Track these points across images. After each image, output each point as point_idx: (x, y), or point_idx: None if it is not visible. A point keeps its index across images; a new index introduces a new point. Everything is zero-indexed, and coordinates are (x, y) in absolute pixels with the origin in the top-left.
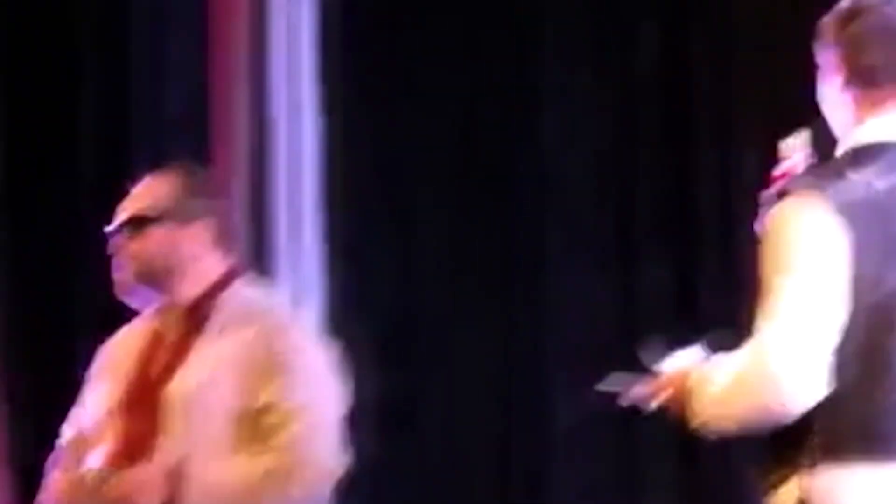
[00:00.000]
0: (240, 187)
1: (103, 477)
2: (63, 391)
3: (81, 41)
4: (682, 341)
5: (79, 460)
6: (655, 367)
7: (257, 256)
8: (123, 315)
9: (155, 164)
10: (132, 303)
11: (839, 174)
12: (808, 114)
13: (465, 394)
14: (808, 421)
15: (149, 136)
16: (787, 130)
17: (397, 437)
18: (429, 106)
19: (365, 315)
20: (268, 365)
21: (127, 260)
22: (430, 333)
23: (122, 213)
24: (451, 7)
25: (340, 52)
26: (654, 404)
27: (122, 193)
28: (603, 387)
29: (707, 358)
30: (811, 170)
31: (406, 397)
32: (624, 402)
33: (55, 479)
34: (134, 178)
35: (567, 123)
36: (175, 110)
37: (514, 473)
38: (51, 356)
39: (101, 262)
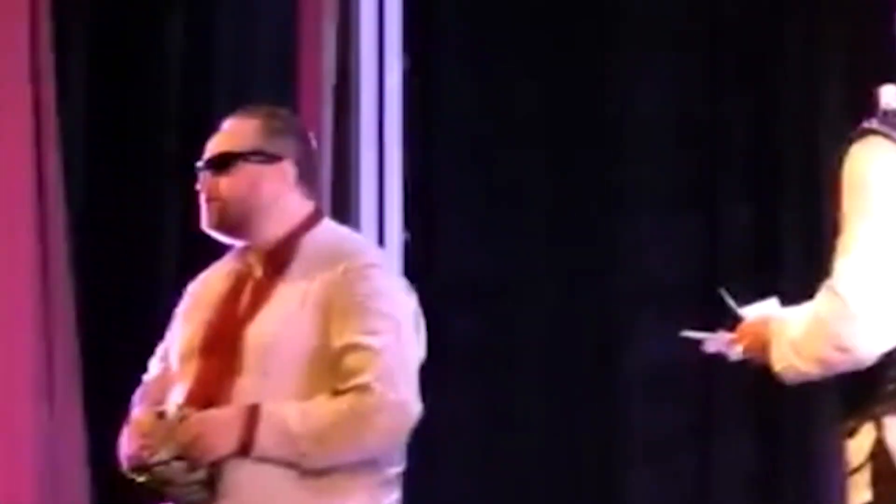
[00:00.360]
0: (324, 131)
1: (182, 415)
2: (151, 327)
3: None
4: (763, 284)
5: (163, 397)
6: (738, 313)
7: (340, 200)
8: (209, 252)
9: (239, 102)
10: (219, 237)
11: None
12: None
13: (539, 334)
14: (882, 370)
15: (233, 74)
16: (872, 70)
17: (465, 384)
18: (512, 50)
19: (442, 260)
20: (350, 306)
21: (214, 196)
22: (509, 276)
23: (210, 150)
24: None
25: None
26: (737, 352)
27: (206, 131)
28: (687, 334)
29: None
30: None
31: (478, 340)
32: (708, 349)
33: (137, 414)
34: (218, 117)
35: (651, 61)
36: (262, 49)
37: (585, 417)
38: (138, 292)
39: (187, 199)
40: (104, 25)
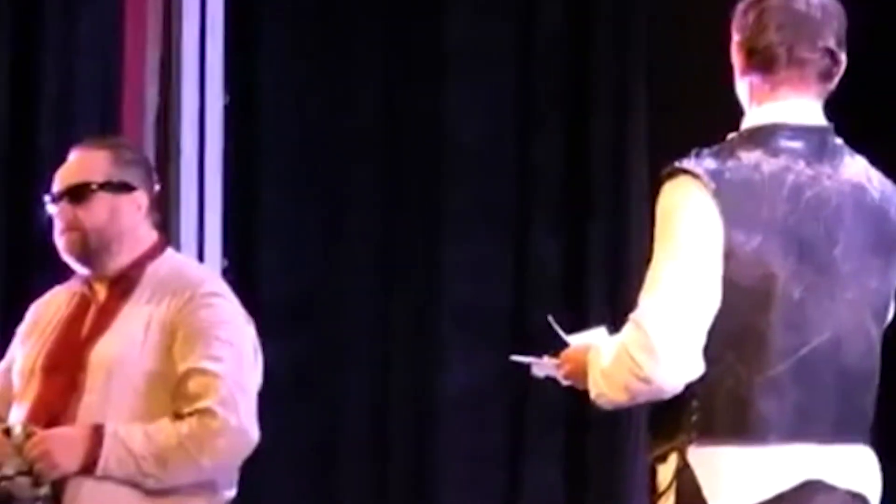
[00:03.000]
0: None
1: (28, 433)
2: None
3: None
4: (570, 311)
5: (3, 413)
6: (564, 339)
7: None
8: (35, 272)
9: (63, 133)
10: (78, 266)
11: (732, 153)
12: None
13: (357, 360)
14: (686, 400)
15: (58, 106)
16: (685, 111)
17: (282, 410)
18: (330, 88)
19: (261, 287)
20: (194, 332)
21: (73, 226)
22: (327, 298)
23: (64, 181)
24: None
25: (251, 23)
26: (564, 378)
27: (31, 161)
28: (516, 358)
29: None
30: (710, 148)
31: (297, 364)
32: (537, 374)
33: None
34: (43, 146)
35: (468, 95)
36: (86, 82)
37: (397, 437)
38: None
39: (10, 226)
40: None
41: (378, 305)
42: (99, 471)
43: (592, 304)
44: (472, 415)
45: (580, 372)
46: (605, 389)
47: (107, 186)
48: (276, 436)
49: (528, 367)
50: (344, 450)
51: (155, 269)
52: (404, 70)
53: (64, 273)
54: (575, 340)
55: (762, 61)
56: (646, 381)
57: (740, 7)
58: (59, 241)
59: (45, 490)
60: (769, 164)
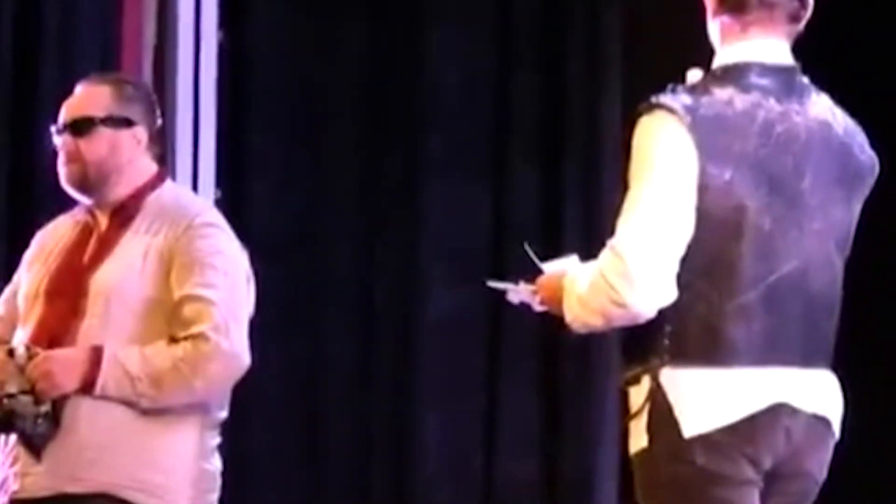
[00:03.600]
0: None
1: (31, 353)
2: None
3: None
4: (546, 244)
5: (8, 336)
6: (539, 266)
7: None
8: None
9: (65, 63)
10: (78, 196)
11: (706, 90)
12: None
13: (342, 288)
14: (659, 325)
15: (60, 37)
16: (656, 53)
17: (272, 335)
18: (319, 27)
19: (252, 216)
20: (190, 261)
21: (74, 158)
22: (314, 230)
23: (68, 114)
24: None
25: None
26: (539, 304)
27: (34, 91)
28: (493, 284)
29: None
30: (684, 85)
31: (285, 292)
32: (512, 300)
33: None
34: (46, 77)
35: (448, 37)
36: (85, 17)
37: (384, 366)
38: None
39: (12, 162)
40: None
41: (363, 237)
42: (97, 390)
43: (568, 238)
44: (451, 343)
45: (555, 297)
46: (581, 314)
47: (108, 121)
48: (265, 361)
49: (503, 292)
50: (329, 375)
51: (154, 199)
52: (386, 11)
53: (67, 202)
54: (549, 268)
55: (734, 3)
56: (622, 305)
57: None
58: (62, 171)
59: (45, 408)
60: (741, 100)
